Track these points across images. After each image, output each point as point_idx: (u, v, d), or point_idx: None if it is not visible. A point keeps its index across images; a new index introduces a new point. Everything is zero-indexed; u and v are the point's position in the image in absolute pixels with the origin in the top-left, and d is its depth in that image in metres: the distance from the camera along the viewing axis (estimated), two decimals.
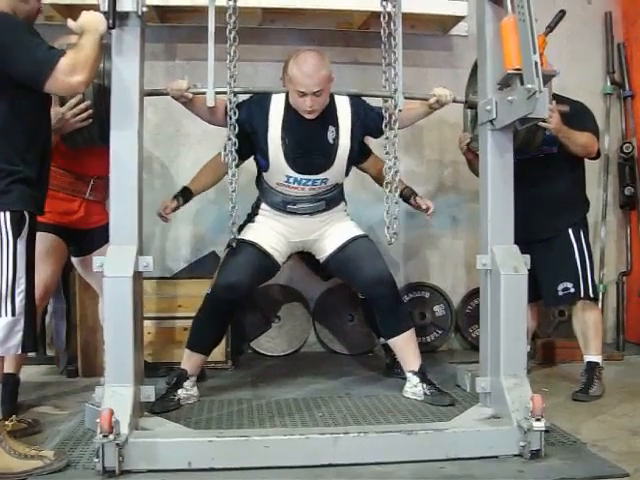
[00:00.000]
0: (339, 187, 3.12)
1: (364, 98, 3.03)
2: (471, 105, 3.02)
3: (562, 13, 3.25)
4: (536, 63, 2.17)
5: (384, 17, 2.79)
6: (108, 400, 2.24)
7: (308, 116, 2.83)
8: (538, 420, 2.22)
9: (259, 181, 3.12)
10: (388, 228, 2.82)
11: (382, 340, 3.40)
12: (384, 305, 3.01)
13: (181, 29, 4.04)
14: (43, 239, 2.79)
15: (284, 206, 3.03)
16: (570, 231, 3.20)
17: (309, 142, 2.89)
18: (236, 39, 2.70)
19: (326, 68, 2.76)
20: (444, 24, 4.11)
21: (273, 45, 4.01)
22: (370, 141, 3.23)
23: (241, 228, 3.04)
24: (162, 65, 4.11)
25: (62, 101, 2.64)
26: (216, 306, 2.95)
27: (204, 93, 2.71)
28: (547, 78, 2.27)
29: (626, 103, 4.42)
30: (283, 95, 2.91)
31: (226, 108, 2.73)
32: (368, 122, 2.98)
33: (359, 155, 3.15)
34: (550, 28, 3.21)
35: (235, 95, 2.72)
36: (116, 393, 2.27)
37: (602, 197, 4.39)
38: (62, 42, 2.53)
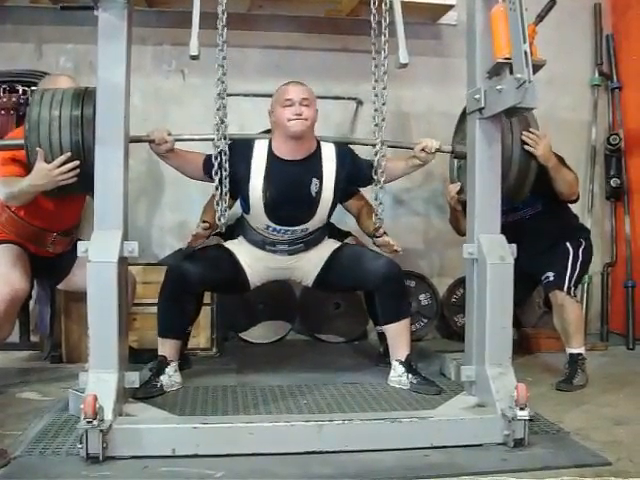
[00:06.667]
0: (321, 229, 3.07)
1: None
2: (458, 155, 3.00)
3: (552, 3, 3.24)
4: (526, 52, 2.17)
5: (374, 3, 2.77)
6: (92, 386, 2.23)
7: (296, 127, 2.78)
8: (522, 409, 2.23)
9: (241, 215, 3.09)
10: (375, 215, 2.84)
11: (379, 328, 3.40)
12: (390, 289, 2.98)
13: (169, 14, 4.00)
14: (9, 250, 2.84)
15: (263, 246, 3.03)
16: (568, 244, 3.28)
17: (291, 193, 2.86)
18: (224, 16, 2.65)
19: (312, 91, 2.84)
20: (433, 12, 4.09)
21: (262, 31, 3.98)
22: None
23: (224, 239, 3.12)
24: (150, 50, 4.09)
25: (47, 158, 2.56)
26: (170, 287, 2.94)
27: (185, 139, 2.80)
28: (537, 68, 2.26)
29: (614, 95, 4.44)
30: (266, 142, 2.90)
31: (205, 162, 2.77)
32: (354, 172, 2.98)
33: (343, 196, 3.19)
34: (540, 17, 3.19)
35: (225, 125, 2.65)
36: (100, 379, 2.26)
37: (588, 188, 4.41)
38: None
